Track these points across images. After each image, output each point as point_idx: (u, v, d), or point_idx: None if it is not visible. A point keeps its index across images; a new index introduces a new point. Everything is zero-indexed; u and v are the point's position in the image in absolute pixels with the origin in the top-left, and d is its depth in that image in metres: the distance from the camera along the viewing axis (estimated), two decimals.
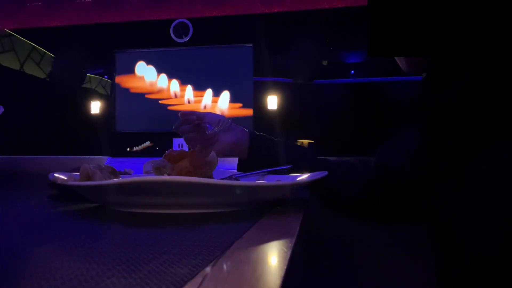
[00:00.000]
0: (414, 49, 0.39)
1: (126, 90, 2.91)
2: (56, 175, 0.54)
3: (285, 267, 0.24)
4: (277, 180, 0.56)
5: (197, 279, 0.22)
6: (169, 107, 2.86)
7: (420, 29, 0.38)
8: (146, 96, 2.89)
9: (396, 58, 0.57)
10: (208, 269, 0.24)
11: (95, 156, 0.90)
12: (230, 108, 2.81)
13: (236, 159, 0.73)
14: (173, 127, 0.69)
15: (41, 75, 3.30)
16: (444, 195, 0.46)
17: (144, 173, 0.54)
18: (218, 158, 0.57)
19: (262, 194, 0.48)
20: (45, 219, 0.43)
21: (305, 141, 2.72)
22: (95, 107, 3.18)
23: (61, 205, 0.53)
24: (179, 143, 2.58)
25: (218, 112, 2.70)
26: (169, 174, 0.51)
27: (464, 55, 0.42)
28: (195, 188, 0.41)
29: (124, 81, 2.92)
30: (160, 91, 2.87)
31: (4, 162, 0.80)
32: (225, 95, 2.83)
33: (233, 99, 2.82)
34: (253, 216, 0.42)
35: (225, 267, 0.25)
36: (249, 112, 2.81)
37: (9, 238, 0.33)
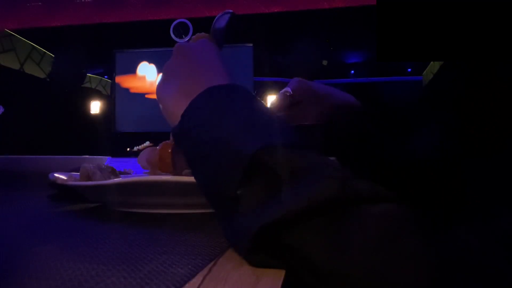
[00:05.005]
0: (423, 53, 0.39)
1: (126, 90, 2.91)
2: (56, 175, 0.54)
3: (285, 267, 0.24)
4: None
5: (197, 279, 0.22)
6: None
7: (430, 34, 0.38)
8: (146, 96, 2.89)
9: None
10: (208, 269, 0.24)
11: (95, 156, 0.90)
12: None
13: None
14: None
15: (41, 75, 3.30)
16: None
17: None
18: None
19: None
20: (45, 219, 0.43)
21: None
22: (95, 107, 3.18)
23: (61, 205, 0.53)
24: None
25: None
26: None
27: (474, 60, 0.41)
28: (195, 188, 0.41)
29: (124, 81, 2.92)
30: None
31: (4, 162, 0.80)
32: None
33: None
34: None
35: (225, 267, 0.25)
36: None
37: (9, 238, 0.33)
